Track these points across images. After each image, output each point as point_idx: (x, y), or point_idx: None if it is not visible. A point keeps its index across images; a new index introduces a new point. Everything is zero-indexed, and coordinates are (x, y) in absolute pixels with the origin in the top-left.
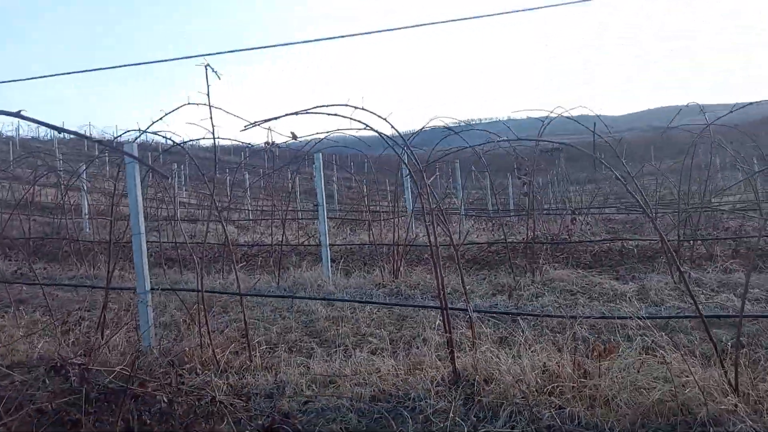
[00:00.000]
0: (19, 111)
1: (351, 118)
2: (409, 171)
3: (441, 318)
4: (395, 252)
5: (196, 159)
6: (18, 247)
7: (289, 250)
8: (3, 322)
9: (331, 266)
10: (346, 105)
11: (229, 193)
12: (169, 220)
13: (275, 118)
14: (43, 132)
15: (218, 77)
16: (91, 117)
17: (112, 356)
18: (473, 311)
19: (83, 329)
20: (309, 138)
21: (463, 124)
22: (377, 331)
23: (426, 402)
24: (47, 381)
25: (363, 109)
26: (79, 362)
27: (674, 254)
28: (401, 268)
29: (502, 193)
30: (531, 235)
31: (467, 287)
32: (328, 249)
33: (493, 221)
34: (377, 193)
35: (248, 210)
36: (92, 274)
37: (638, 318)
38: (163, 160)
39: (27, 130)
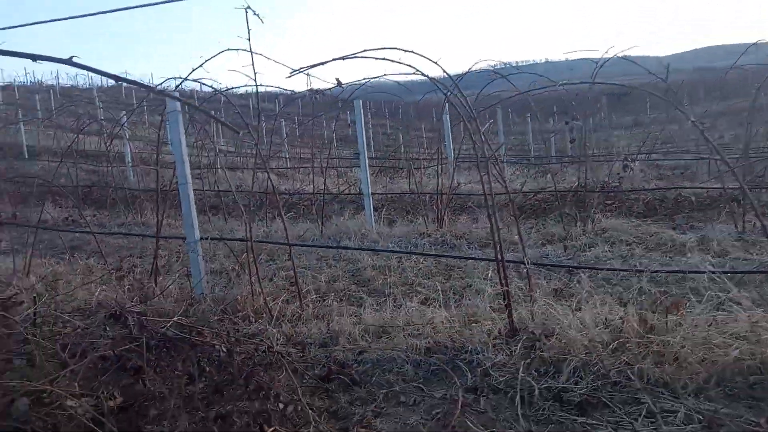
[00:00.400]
0: (71, 57)
1: (399, 62)
2: (462, 117)
3: (496, 269)
4: (439, 201)
5: (233, 106)
6: (67, 195)
7: (330, 198)
8: (60, 269)
9: (374, 215)
10: (395, 48)
11: (267, 141)
12: (210, 167)
13: (321, 64)
14: (81, 80)
15: (261, 21)
16: (127, 68)
17: (166, 303)
18: (530, 263)
19: (137, 276)
20: (353, 83)
21: (506, 65)
22: (425, 281)
23: (484, 355)
24: (107, 328)
25: (412, 52)
26: (137, 310)
27: (750, 202)
28: (445, 218)
29: (541, 139)
30: (581, 182)
31: (516, 236)
32: (371, 198)
33: (537, 168)
34: (415, 140)
35: (286, 158)
36: (140, 221)
37: (712, 272)
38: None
39: (66, 78)
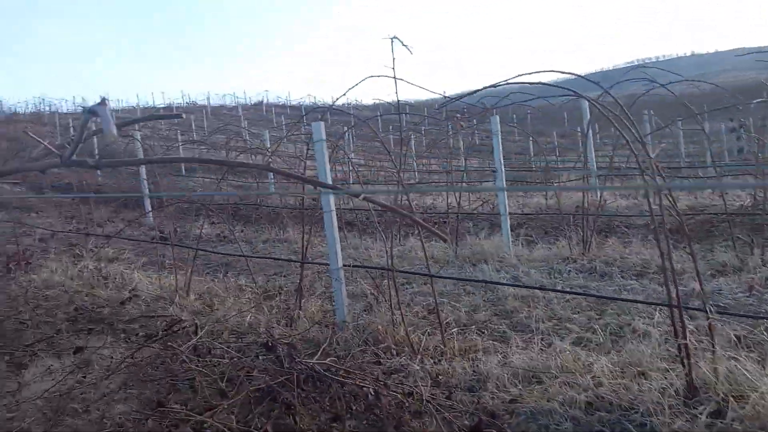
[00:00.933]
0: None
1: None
2: (613, 124)
3: (670, 316)
4: (585, 221)
5: (358, 119)
6: (219, 212)
7: (463, 216)
8: (214, 287)
9: (510, 235)
10: (551, 71)
11: (398, 154)
12: (344, 182)
13: (474, 92)
14: (229, 100)
15: (410, 51)
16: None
17: (311, 329)
18: (713, 312)
19: (282, 298)
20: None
21: (646, 61)
22: (575, 315)
23: (658, 419)
24: (259, 357)
25: (561, 71)
26: (287, 341)
27: None
28: (592, 240)
29: (692, 143)
30: (758, 200)
31: (677, 264)
32: (508, 218)
33: (690, 179)
34: (546, 148)
35: (414, 171)
36: (283, 237)
37: None
38: (331, 120)
39: (215, 98)
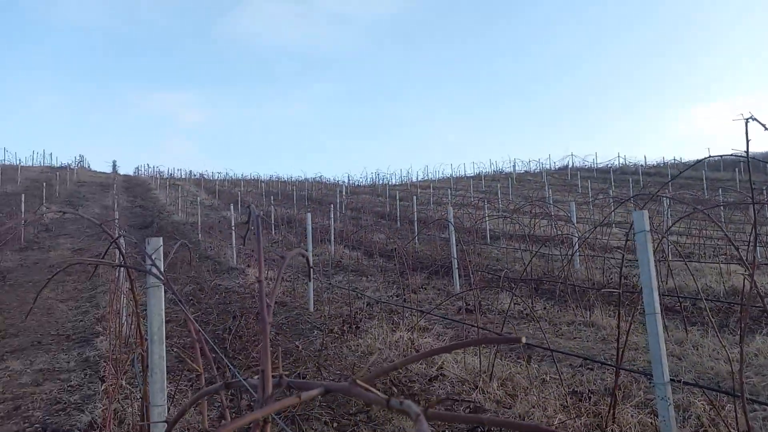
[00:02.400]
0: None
1: None
2: None
3: None
4: None
5: (643, 177)
6: (522, 285)
7: None
8: (517, 374)
9: None
10: None
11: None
12: (661, 259)
13: None
14: (533, 166)
15: (765, 128)
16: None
17: None
18: None
19: (593, 401)
20: None
21: None
22: None
23: None
24: None
25: None
26: None
27: None
28: None
29: None
30: None
31: None
32: None
33: None
34: None
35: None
36: (589, 321)
37: None
38: (643, 182)
39: (520, 165)
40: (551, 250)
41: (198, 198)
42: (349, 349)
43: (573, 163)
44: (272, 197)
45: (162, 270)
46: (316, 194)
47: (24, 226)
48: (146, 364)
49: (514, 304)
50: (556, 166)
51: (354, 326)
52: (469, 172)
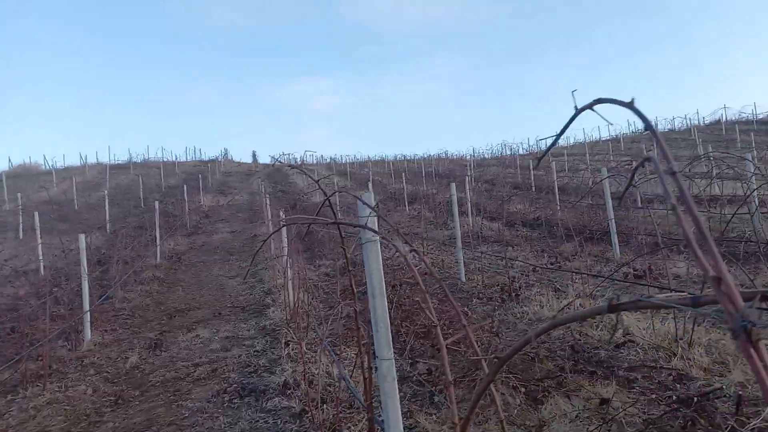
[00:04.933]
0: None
1: None
2: None
3: None
4: None
5: None
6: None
7: None
8: (725, 340)
9: None
10: None
11: None
12: None
13: None
14: (678, 123)
15: None
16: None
17: None
18: None
19: None
20: None
21: None
22: None
23: None
24: None
25: None
26: None
27: None
28: None
29: None
30: None
31: None
32: None
33: None
34: None
35: None
36: None
37: None
38: None
39: (662, 123)
40: (723, 210)
41: (334, 180)
42: (514, 317)
43: (726, 117)
44: (401, 175)
45: (375, 227)
46: (442, 169)
47: (188, 214)
48: (367, 319)
49: (690, 267)
50: (706, 122)
51: (514, 294)
52: (605, 135)
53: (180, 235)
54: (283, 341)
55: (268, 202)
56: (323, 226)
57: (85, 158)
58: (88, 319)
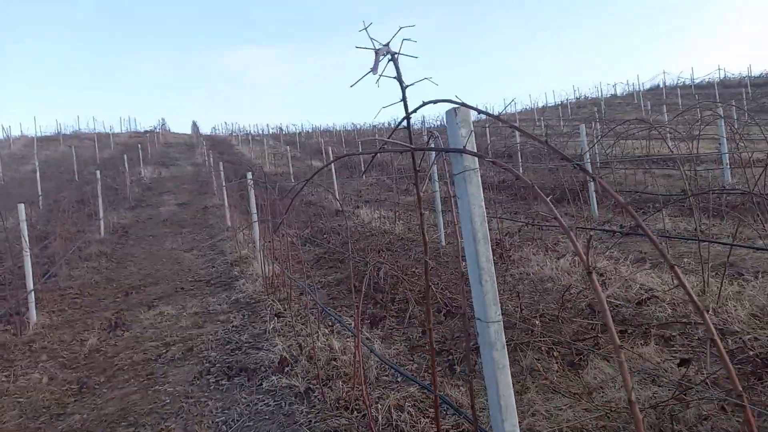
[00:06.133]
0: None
1: None
2: None
3: None
4: None
5: (752, 89)
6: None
7: None
8: (735, 289)
9: None
10: None
11: None
12: None
13: None
14: (620, 89)
15: None
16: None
17: None
18: None
19: None
20: None
21: None
22: None
23: None
24: None
25: None
26: None
27: None
28: None
29: None
30: None
31: None
32: None
33: None
34: None
35: None
36: None
37: None
38: (752, 93)
39: (606, 89)
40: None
41: (286, 150)
42: (514, 279)
43: (665, 82)
44: (352, 144)
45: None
46: (396, 137)
47: (129, 186)
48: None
49: (674, 222)
50: (645, 87)
51: (506, 256)
52: (551, 101)
53: (123, 208)
54: (270, 314)
55: (222, 169)
56: (282, 193)
57: (9, 129)
58: (33, 300)
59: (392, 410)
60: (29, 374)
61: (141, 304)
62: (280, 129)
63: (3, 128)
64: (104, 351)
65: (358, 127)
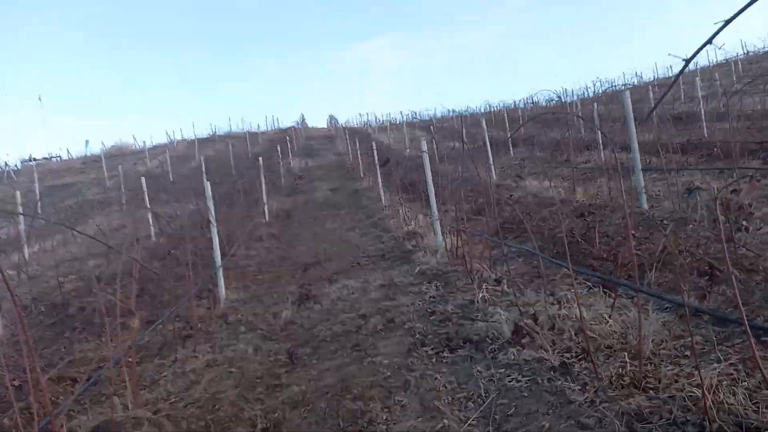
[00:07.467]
0: None
1: None
2: None
3: None
4: None
5: None
6: None
7: None
8: None
9: None
10: None
11: None
12: None
13: None
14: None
15: None
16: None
17: None
18: None
19: None
20: None
21: None
22: None
23: None
24: None
25: None
26: None
27: None
28: None
29: None
30: None
31: None
32: None
33: None
34: None
35: None
36: None
37: None
38: None
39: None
40: None
41: (422, 135)
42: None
43: None
44: (485, 124)
45: None
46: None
47: (284, 175)
48: None
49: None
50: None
51: (746, 213)
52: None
53: (280, 195)
54: (476, 284)
55: (375, 149)
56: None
57: (173, 134)
58: (221, 276)
59: (715, 391)
60: (232, 345)
61: (321, 278)
62: (414, 115)
63: (167, 134)
64: (300, 323)
65: (492, 107)
